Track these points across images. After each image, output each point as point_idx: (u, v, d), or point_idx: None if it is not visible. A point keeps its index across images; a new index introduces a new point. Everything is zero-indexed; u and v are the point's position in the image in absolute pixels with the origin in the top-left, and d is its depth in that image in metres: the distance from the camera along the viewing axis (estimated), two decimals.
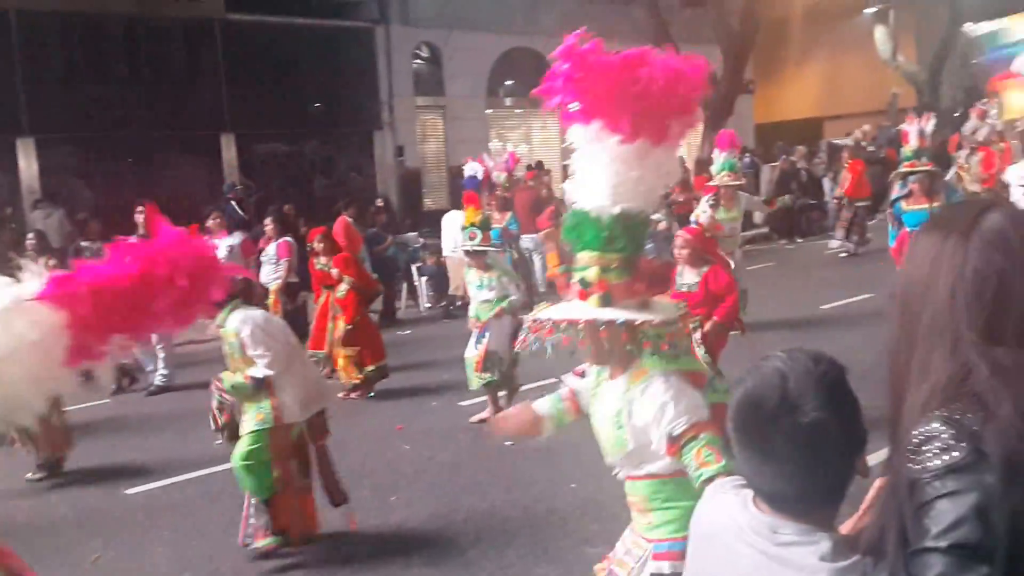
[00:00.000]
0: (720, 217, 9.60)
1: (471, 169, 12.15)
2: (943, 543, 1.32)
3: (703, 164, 19.12)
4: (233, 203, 15.02)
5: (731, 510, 1.77)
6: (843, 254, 16.31)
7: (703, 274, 6.56)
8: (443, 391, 8.82)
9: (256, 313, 5.40)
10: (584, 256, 2.82)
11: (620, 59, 2.75)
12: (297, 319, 11.42)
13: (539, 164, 18.19)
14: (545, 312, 2.87)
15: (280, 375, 5.26)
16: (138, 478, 7.04)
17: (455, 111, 20.82)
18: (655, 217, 7.18)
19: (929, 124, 8.99)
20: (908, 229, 8.39)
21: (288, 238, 10.82)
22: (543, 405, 3.25)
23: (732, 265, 9.87)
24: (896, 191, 9.66)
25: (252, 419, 5.33)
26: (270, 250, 10.67)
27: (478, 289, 7.63)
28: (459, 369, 7.95)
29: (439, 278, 13.81)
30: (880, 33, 25.04)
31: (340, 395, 8.79)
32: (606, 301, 2.75)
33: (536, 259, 14.43)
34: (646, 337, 2.78)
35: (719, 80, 22.04)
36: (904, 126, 9.42)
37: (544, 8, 21.67)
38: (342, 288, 8.91)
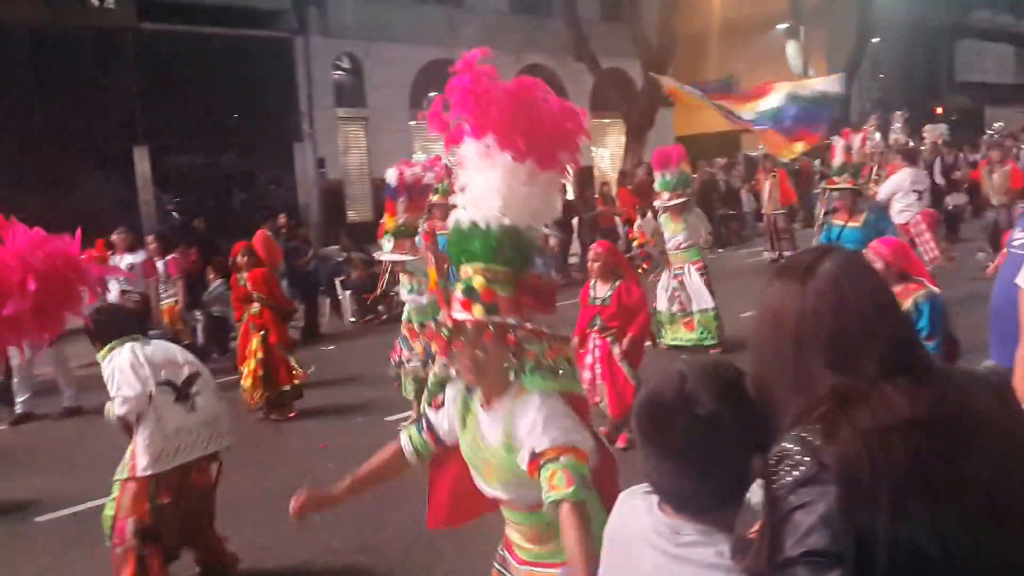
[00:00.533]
0: (668, 231, 9.74)
1: (389, 176, 12.08)
2: (798, 551, 1.42)
3: (627, 176, 19.29)
4: (175, 214, 14.68)
5: (637, 514, 1.84)
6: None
7: (616, 288, 6.67)
8: (369, 407, 8.64)
9: (123, 354, 4.88)
10: (470, 267, 2.73)
11: (517, 80, 2.80)
12: (219, 334, 11.15)
13: None
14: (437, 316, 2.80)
15: (138, 422, 4.86)
16: (49, 505, 6.73)
17: (377, 123, 20.64)
18: (545, 231, 7.18)
19: (857, 139, 9.20)
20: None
21: (175, 255, 10.47)
22: (404, 438, 3.12)
23: (687, 282, 9.82)
24: (825, 205, 9.89)
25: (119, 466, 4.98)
26: (159, 269, 10.35)
27: (409, 293, 7.53)
28: (385, 384, 7.80)
29: (365, 291, 13.57)
30: (792, 48, 25.73)
31: (273, 417, 8.62)
32: (491, 311, 2.64)
33: None
34: (531, 348, 2.69)
35: (639, 93, 22.35)
36: (834, 140, 9.62)
37: (465, 20, 21.68)
38: (255, 305, 8.68)
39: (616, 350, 6.63)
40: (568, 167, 2.89)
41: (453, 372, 2.91)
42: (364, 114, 20.69)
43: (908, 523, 1.41)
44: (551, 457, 2.54)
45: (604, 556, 1.98)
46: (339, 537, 5.66)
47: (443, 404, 3.00)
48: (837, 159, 9.05)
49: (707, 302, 9.83)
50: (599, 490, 2.63)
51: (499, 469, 2.73)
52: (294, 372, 8.77)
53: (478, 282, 2.66)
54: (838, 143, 9.22)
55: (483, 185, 2.75)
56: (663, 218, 10.01)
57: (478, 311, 2.63)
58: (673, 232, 9.88)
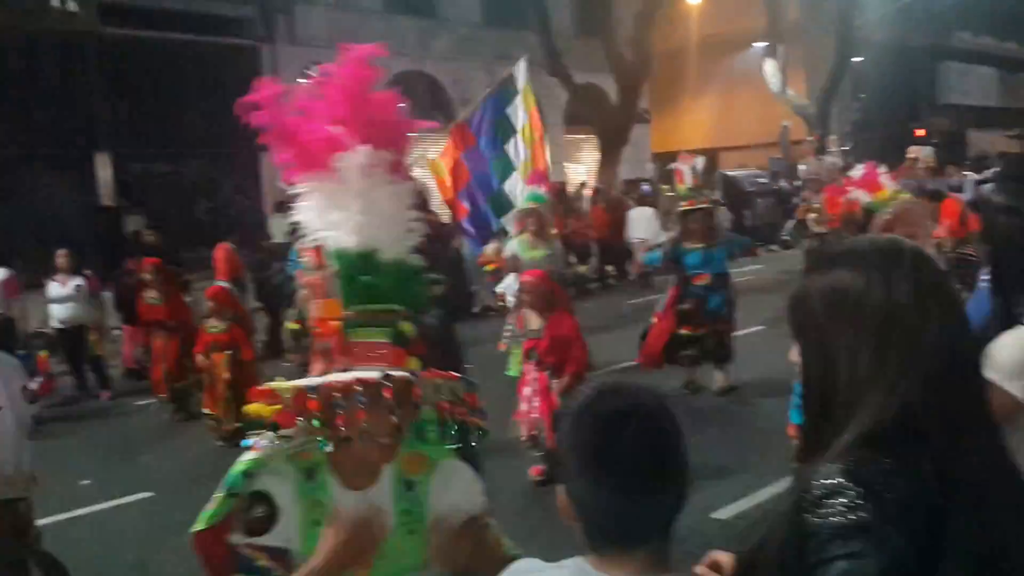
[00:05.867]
0: (526, 256, 8.56)
1: None
2: None
3: (601, 193, 19.00)
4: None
5: None
6: None
7: (547, 320, 6.43)
8: None
9: None
10: (383, 309, 2.15)
11: (361, 74, 2.20)
12: (78, 360, 10.68)
13: None
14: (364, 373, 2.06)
15: None
16: None
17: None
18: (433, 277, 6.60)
19: (699, 161, 8.93)
20: (688, 271, 8.47)
21: (8, 269, 9.80)
22: None
23: None
24: (673, 232, 9.51)
25: None
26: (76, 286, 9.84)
27: None
28: None
29: None
30: (770, 67, 25.60)
31: (219, 443, 8.11)
32: (422, 364, 2.15)
33: None
34: (441, 397, 2.19)
35: (614, 109, 22.12)
36: (676, 164, 9.35)
37: (437, 31, 21.40)
38: (214, 324, 8.22)
39: (554, 385, 6.37)
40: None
41: (290, 453, 2.21)
42: None
43: None
44: (485, 522, 2.26)
45: None
46: None
47: (270, 518, 2.19)
48: (686, 182, 8.74)
49: None
50: None
51: (392, 561, 2.20)
52: None
53: (409, 328, 2.15)
54: (683, 167, 8.96)
55: (379, 208, 2.21)
56: (518, 242, 8.89)
57: (414, 364, 2.12)
58: (534, 257, 8.62)
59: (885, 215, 5.87)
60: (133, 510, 6.76)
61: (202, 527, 2.23)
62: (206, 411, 8.29)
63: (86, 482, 7.41)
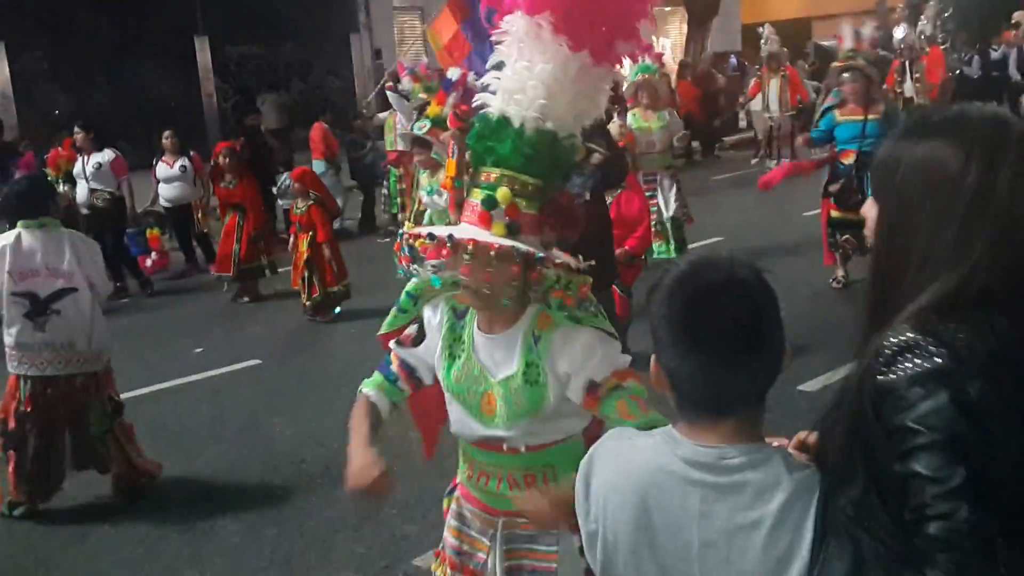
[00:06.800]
0: (638, 127, 8.35)
1: (452, 72, 11.88)
2: (925, 440, 1.26)
3: (687, 68, 18.67)
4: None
5: (654, 455, 1.58)
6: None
7: (616, 196, 6.25)
8: None
9: (8, 237, 4.75)
10: (494, 172, 2.26)
11: None
12: (185, 236, 11.18)
13: None
14: (440, 229, 2.30)
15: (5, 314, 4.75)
16: None
17: (434, 13, 20.16)
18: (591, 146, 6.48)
19: (867, 28, 8.65)
20: (839, 146, 7.76)
21: (114, 150, 10.10)
22: (374, 395, 2.62)
23: (658, 190, 8.48)
24: (829, 100, 8.76)
25: None
26: (89, 163, 9.88)
27: (429, 195, 6.89)
28: None
29: None
30: None
31: (307, 317, 8.59)
32: (512, 231, 2.21)
33: None
34: (557, 286, 2.31)
35: None
36: (841, 28, 9.08)
37: None
38: (300, 205, 8.51)
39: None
40: (623, 61, 2.40)
41: (438, 287, 2.49)
42: (420, 3, 20.24)
43: None
44: (614, 385, 2.26)
45: (614, 516, 1.62)
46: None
47: (417, 339, 2.58)
48: (847, 44, 8.37)
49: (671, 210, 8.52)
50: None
51: (510, 403, 2.34)
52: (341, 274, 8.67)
53: (502, 194, 2.21)
54: (846, 29, 8.61)
55: (525, 74, 2.25)
56: (631, 115, 8.49)
57: (499, 229, 2.21)
58: (647, 130, 8.38)
59: None
60: (243, 376, 7.17)
61: (383, 332, 2.72)
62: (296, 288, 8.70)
63: (199, 350, 7.85)
